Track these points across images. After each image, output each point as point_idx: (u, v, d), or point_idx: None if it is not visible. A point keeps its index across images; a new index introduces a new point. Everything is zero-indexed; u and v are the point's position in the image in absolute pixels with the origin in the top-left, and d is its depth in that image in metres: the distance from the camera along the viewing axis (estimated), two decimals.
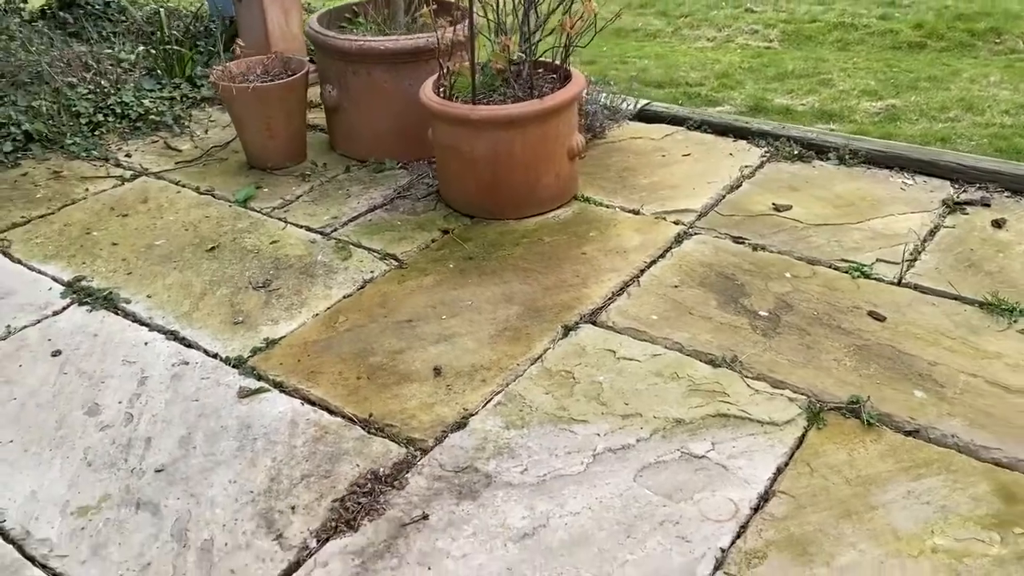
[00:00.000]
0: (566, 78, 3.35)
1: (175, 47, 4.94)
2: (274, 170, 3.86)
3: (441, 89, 3.31)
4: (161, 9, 5.23)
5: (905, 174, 3.53)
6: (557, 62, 3.42)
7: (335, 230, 3.33)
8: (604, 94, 4.00)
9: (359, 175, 3.79)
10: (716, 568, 1.84)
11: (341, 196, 3.61)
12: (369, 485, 2.07)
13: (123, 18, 5.53)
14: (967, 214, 3.22)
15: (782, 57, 5.45)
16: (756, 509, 1.98)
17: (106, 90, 4.57)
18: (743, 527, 1.93)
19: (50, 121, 4.30)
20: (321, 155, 4.01)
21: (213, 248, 3.24)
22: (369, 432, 2.26)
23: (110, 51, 5.07)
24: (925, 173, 3.51)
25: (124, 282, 3.04)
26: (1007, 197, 3.31)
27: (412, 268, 3.04)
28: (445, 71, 3.24)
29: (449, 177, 3.42)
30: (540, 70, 3.46)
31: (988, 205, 3.27)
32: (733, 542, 1.89)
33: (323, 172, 3.84)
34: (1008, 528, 1.90)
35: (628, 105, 4.03)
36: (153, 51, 4.95)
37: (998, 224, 3.13)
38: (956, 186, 3.40)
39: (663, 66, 5.25)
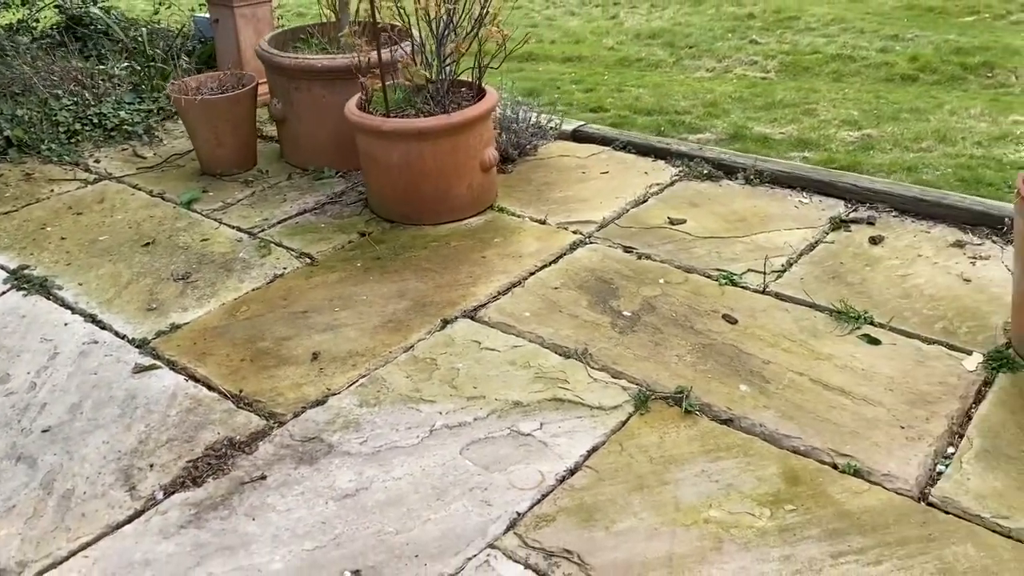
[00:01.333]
0: (481, 95, 3.61)
1: (159, 64, 5.31)
2: (223, 176, 4.16)
3: (365, 104, 3.59)
4: (144, 29, 5.60)
5: (805, 194, 3.72)
6: (478, 81, 3.68)
7: (263, 231, 3.61)
8: (536, 113, 4.25)
9: (299, 182, 4.08)
10: (508, 529, 2.05)
11: (277, 200, 3.89)
12: (223, 450, 2.31)
13: (123, 37, 5.91)
14: (850, 231, 3.40)
15: (775, 88, 5.62)
16: (561, 480, 2.18)
17: (88, 102, 4.92)
18: (544, 495, 2.14)
19: (32, 128, 4.65)
20: (270, 163, 4.30)
21: (148, 244, 3.53)
22: (238, 406, 2.51)
23: (102, 67, 5.45)
24: (824, 193, 3.70)
25: (62, 271, 3.34)
26: (894, 217, 3.49)
27: (322, 266, 3.30)
28: (364, 87, 3.51)
29: (371, 185, 3.69)
30: (463, 88, 3.72)
31: (872, 223, 3.45)
32: (531, 508, 2.10)
33: (267, 179, 4.13)
34: (780, 505, 2.08)
35: (555, 124, 4.27)
36: (138, 67, 5.31)
37: (875, 241, 3.31)
38: (849, 205, 3.59)
39: (656, 95, 5.43)
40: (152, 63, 5.29)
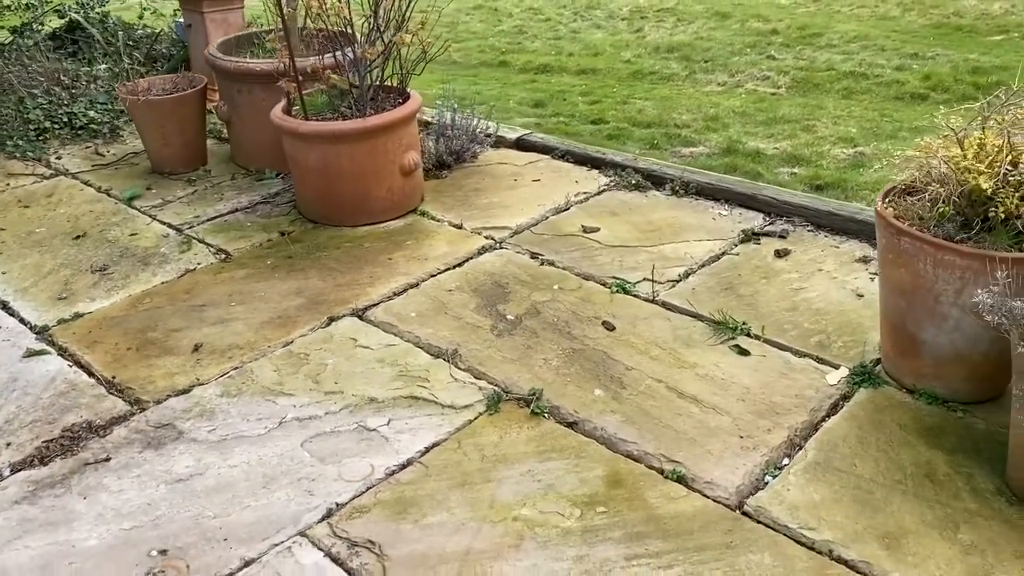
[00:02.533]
0: (406, 101, 3.68)
1: (136, 67, 5.49)
2: (170, 175, 4.29)
3: (290, 107, 3.68)
4: (120, 32, 5.80)
5: (726, 206, 3.72)
6: (403, 87, 3.76)
7: (191, 227, 3.72)
8: (477, 120, 4.31)
9: (241, 182, 4.19)
10: (323, 519, 2.10)
11: (214, 199, 4.01)
12: (79, 432, 2.40)
13: (101, 40, 6.12)
14: (759, 244, 3.39)
15: (781, 103, 5.60)
16: (389, 475, 2.23)
17: (62, 101, 5.12)
18: (368, 488, 2.19)
19: (4, 125, 4.85)
20: (220, 164, 4.43)
21: (79, 237, 3.66)
22: (109, 392, 2.60)
23: (87, 69, 5.66)
24: (746, 206, 3.70)
25: None
26: (808, 231, 3.48)
27: (234, 262, 3.40)
28: (287, 91, 3.61)
29: (296, 186, 3.79)
30: (392, 94, 3.80)
31: (784, 237, 3.44)
32: (351, 500, 2.15)
33: (210, 178, 4.26)
34: (593, 507, 2.10)
35: (491, 131, 4.33)
36: (116, 70, 5.50)
37: (780, 254, 3.30)
38: (767, 218, 3.58)
39: (660, 108, 5.46)
40: (132, 66, 5.47)
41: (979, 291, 1.97)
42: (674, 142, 4.82)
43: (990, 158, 2.18)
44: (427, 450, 2.32)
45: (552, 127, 5.06)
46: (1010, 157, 2.15)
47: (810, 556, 1.95)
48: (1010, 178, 2.21)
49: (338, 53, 3.63)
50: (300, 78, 3.56)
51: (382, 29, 3.65)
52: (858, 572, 1.90)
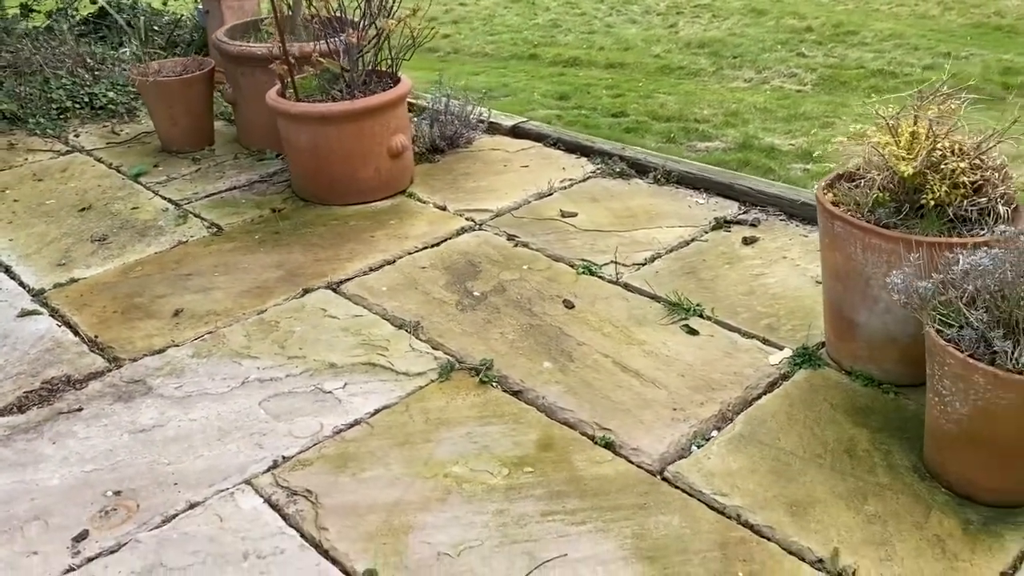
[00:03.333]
0: (396, 85, 3.82)
1: (158, 51, 5.72)
2: (178, 153, 4.49)
3: (285, 90, 3.84)
4: (143, 18, 6.03)
5: (704, 194, 3.80)
6: (394, 71, 3.90)
7: (189, 203, 3.90)
8: (472, 106, 4.43)
9: (243, 162, 4.37)
10: (268, 469, 2.24)
11: (215, 177, 4.19)
12: (58, 385, 2.59)
13: (124, 25, 6.36)
14: (729, 231, 3.47)
15: (805, 100, 5.64)
16: (337, 433, 2.37)
17: (85, 82, 5.35)
18: (315, 444, 2.33)
19: (28, 104, 5.09)
20: (226, 144, 4.61)
21: (84, 209, 3.87)
22: (90, 350, 2.78)
23: (113, 53, 5.90)
24: (724, 195, 3.77)
25: (2, 228, 3.69)
26: (780, 220, 3.54)
27: (224, 236, 3.57)
28: (279, 74, 3.76)
29: (290, 166, 3.95)
30: (385, 79, 3.94)
31: (756, 225, 3.51)
32: (297, 453, 2.30)
33: (214, 158, 4.44)
34: (522, 467, 2.22)
35: (484, 117, 4.46)
36: (139, 53, 5.73)
37: (747, 241, 3.37)
38: (742, 207, 3.66)
39: (682, 103, 5.53)
40: (154, 50, 5.69)
41: (893, 273, 2.05)
42: (691, 136, 4.88)
43: (919, 146, 2.25)
44: (376, 412, 2.46)
45: (572, 119, 5.15)
46: (933, 144, 2.21)
47: (717, 519, 2.04)
48: (941, 167, 2.27)
49: (331, 39, 3.79)
50: (293, 62, 3.72)
51: (375, 15, 3.79)
52: (761, 536, 2.00)
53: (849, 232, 2.31)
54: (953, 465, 2.07)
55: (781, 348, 2.69)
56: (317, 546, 2.00)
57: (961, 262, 1.93)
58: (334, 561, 1.96)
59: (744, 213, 3.61)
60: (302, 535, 2.04)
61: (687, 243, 3.38)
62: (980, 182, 2.31)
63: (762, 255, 3.26)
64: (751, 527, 2.02)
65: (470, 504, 2.11)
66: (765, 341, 2.73)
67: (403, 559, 1.95)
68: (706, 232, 3.46)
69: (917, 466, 2.18)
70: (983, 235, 2.17)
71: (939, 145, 2.20)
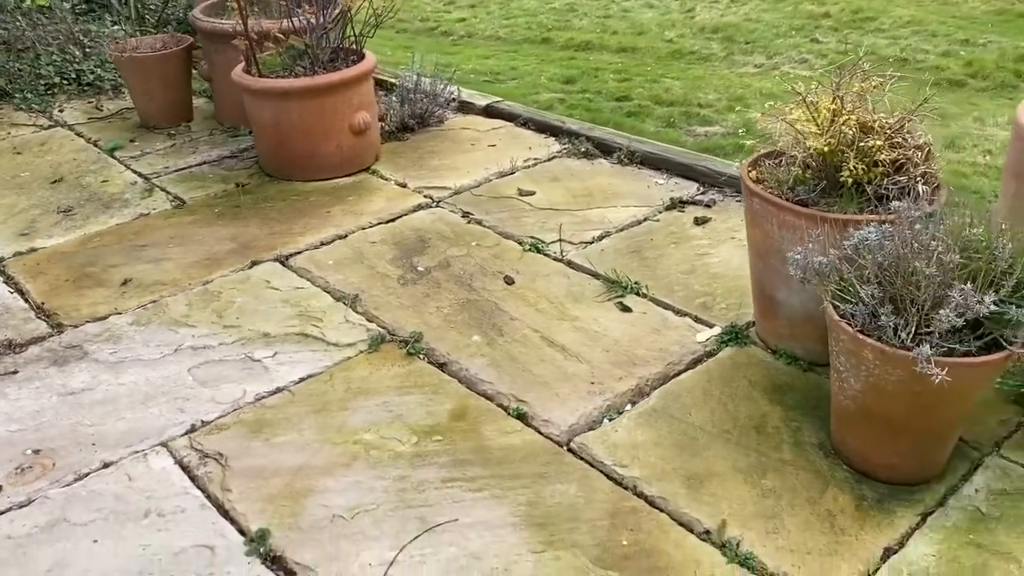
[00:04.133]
0: (360, 62, 3.85)
1: (149, 29, 5.79)
2: (155, 129, 4.56)
3: (250, 66, 3.89)
4: None
5: (666, 175, 3.80)
6: (359, 48, 3.93)
7: (158, 177, 3.97)
8: (443, 86, 4.45)
9: (217, 138, 4.43)
10: (185, 433, 2.30)
11: (188, 152, 4.25)
12: None
13: (132, 4, 6.43)
14: (683, 212, 3.47)
15: (812, 87, 5.58)
16: (258, 399, 2.42)
17: (75, 59, 5.44)
18: (235, 409, 2.38)
19: (17, 79, 5.19)
20: (203, 121, 4.68)
21: (56, 182, 3.95)
22: (37, 316, 2.86)
23: (106, 30, 5.98)
24: (684, 176, 3.77)
25: None
26: (737, 201, 3.53)
27: (186, 209, 3.63)
28: (242, 50, 3.81)
29: (256, 141, 4.00)
30: (351, 56, 3.97)
31: (710, 206, 3.51)
32: (217, 418, 2.35)
33: (190, 133, 4.51)
34: (431, 436, 2.25)
35: (455, 96, 4.47)
36: (128, 30, 5.80)
37: (699, 222, 3.37)
38: (701, 188, 3.65)
39: (688, 88, 5.51)
40: (144, 28, 5.76)
41: (794, 249, 2.05)
42: (692, 121, 4.86)
43: (838, 122, 2.24)
44: (300, 380, 2.50)
45: (575, 103, 5.14)
46: (845, 120, 2.20)
47: (613, 489, 2.06)
48: (859, 145, 2.26)
49: (295, 16, 3.82)
50: (255, 38, 3.75)
51: None
52: (653, 506, 2.02)
53: (766, 209, 2.31)
54: (852, 442, 2.08)
55: (711, 326, 2.69)
56: (218, 506, 2.06)
57: (853, 237, 1.93)
58: (232, 520, 2.01)
59: (702, 194, 3.61)
60: (207, 495, 2.09)
61: (639, 223, 3.39)
62: (901, 161, 2.30)
63: (711, 235, 3.26)
64: (645, 497, 2.04)
65: (374, 470, 2.15)
66: (697, 319, 2.73)
67: (298, 520, 2.00)
68: (660, 212, 3.46)
69: (824, 443, 2.18)
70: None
71: (850, 121, 2.19)
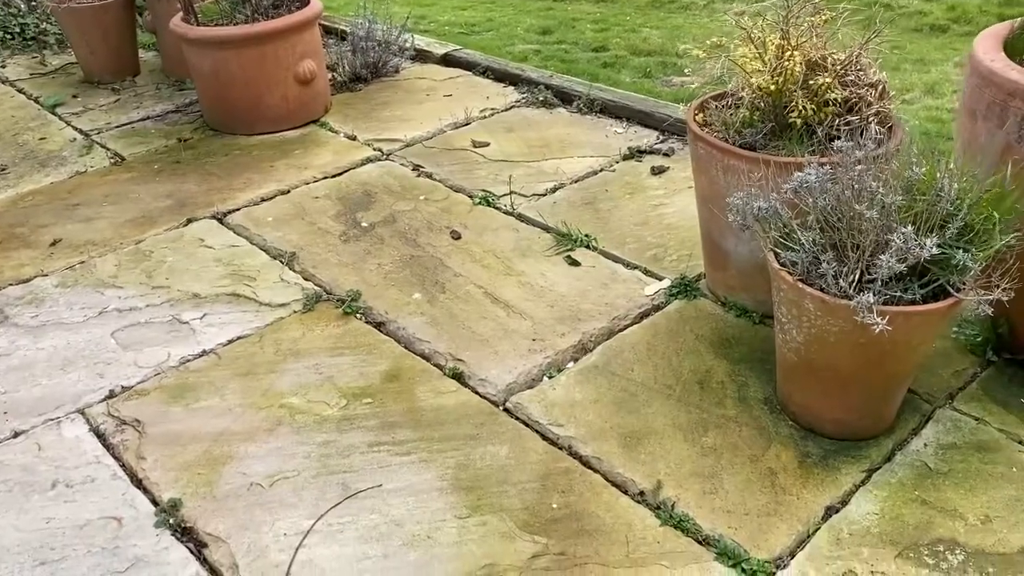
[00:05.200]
0: (305, 7, 3.67)
1: None
2: (100, 84, 4.37)
3: (189, 14, 3.70)
4: None
5: (625, 123, 3.66)
6: None
7: (99, 133, 3.80)
8: (396, 33, 4.27)
9: (162, 92, 4.25)
10: (104, 399, 2.19)
11: (132, 107, 4.08)
12: None
13: None
14: (640, 161, 3.34)
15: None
16: (183, 363, 2.31)
17: (19, 12, 5.21)
18: (156, 374, 2.27)
19: None
20: (150, 74, 4.49)
21: None
22: None
23: None
24: (644, 124, 3.63)
25: None
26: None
27: (124, 166, 3.48)
28: None
29: (198, 94, 3.83)
30: (296, 3, 3.78)
31: (668, 155, 3.37)
32: (138, 384, 2.24)
33: (135, 88, 4.33)
34: (361, 399, 2.15)
35: (408, 44, 4.30)
36: None
37: (656, 171, 3.24)
38: (661, 136, 3.52)
39: (667, 37, 5.30)
40: None
41: (734, 194, 1.93)
42: (668, 71, 4.69)
43: (784, 58, 2.10)
44: (229, 343, 2.39)
45: (551, 54, 4.95)
46: (790, 57, 2.07)
47: (547, 450, 1.97)
48: (808, 83, 2.13)
49: None
50: None
51: None
52: (588, 467, 1.92)
53: (710, 154, 2.19)
54: (797, 396, 1.98)
55: (661, 279, 2.58)
56: (132, 475, 1.95)
57: (793, 180, 1.81)
58: (144, 490, 1.91)
59: (661, 142, 3.47)
60: (120, 464, 1.99)
61: (594, 173, 3.26)
62: (853, 100, 2.17)
63: (668, 185, 3.14)
64: (579, 458, 1.95)
65: (297, 435, 2.04)
66: (647, 272, 2.62)
67: (213, 489, 1.90)
68: (616, 162, 3.33)
69: (770, 399, 2.09)
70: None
71: (795, 57, 2.06)
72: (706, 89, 2.46)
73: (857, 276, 1.74)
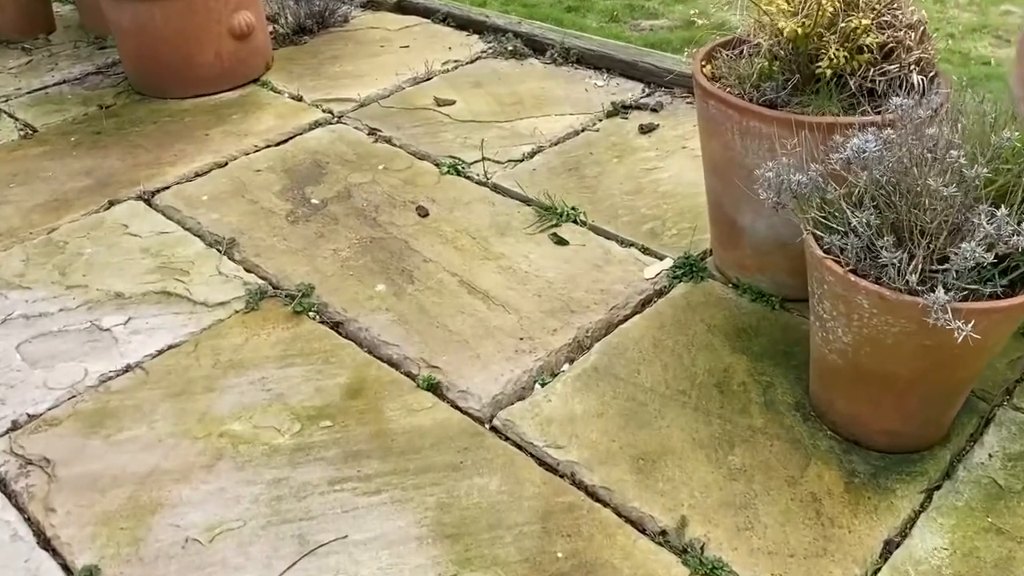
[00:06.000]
0: None
1: None
2: (8, 43, 3.85)
3: None
4: None
5: (605, 75, 3.28)
6: None
7: (7, 101, 3.32)
8: None
9: (82, 51, 3.75)
10: (6, 432, 1.80)
11: (46, 70, 3.59)
12: None
13: None
14: (627, 118, 2.98)
15: None
16: (102, 382, 1.92)
17: None
18: (71, 397, 1.88)
19: None
20: (68, 31, 3.97)
21: None
22: None
23: None
24: (627, 75, 3.26)
25: None
26: (687, 103, 3.05)
27: (36, 139, 3.02)
28: None
29: (120, 53, 3.36)
30: None
31: (657, 110, 3.02)
32: (48, 410, 1.85)
33: (50, 47, 3.82)
34: (318, 421, 1.80)
35: None
36: None
37: (645, 129, 2.89)
38: (646, 89, 3.15)
39: None
40: None
41: (765, 164, 1.59)
42: (636, 14, 4.28)
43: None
44: (158, 353, 2.01)
45: None
46: None
47: (545, 480, 1.64)
48: (840, 25, 1.79)
49: None
50: None
51: None
52: (596, 499, 1.60)
53: (725, 113, 1.84)
54: (841, 404, 1.68)
55: (662, 258, 2.25)
56: (39, 533, 1.59)
57: (846, 148, 1.47)
58: (54, 553, 1.55)
59: (647, 96, 3.11)
60: (26, 518, 1.62)
61: (576, 134, 2.89)
62: (891, 45, 1.83)
63: (659, 145, 2.79)
64: (585, 488, 1.63)
65: (243, 472, 1.69)
66: (644, 250, 2.29)
67: (139, 549, 1.54)
68: (600, 120, 2.97)
69: (801, 402, 1.78)
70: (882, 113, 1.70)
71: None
72: (695, 35, 2.10)
73: (921, 265, 1.42)
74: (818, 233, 1.54)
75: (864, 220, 1.44)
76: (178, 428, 1.80)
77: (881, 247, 1.42)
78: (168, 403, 1.86)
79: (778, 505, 1.57)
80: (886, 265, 1.42)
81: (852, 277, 1.45)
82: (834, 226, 1.53)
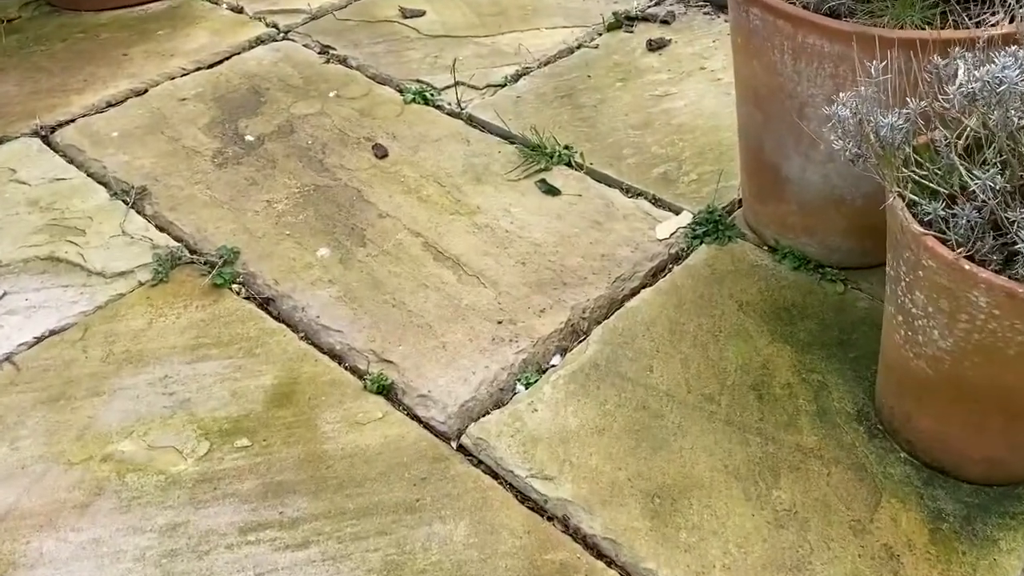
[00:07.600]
0: None
1: None
2: None
3: None
4: None
5: None
6: None
7: None
8: None
9: None
10: None
11: None
12: None
13: None
14: (631, 32, 2.48)
15: None
16: None
17: None
18: None
19: None
20: None
21: None
22: None
23: None
24: None
25: None
26: (705, 13, 2.55)
27: None
28: None
29: None
30: None
31: (668, 23, 2.51)
32: None
33: None
34: (233, 438, 1.38)
35: None
36: None
37: (654, 46, 2.39)
38: None
39: None
40: None
41: (839, 96, 1.13)
42: None
43: None
44: (36, 342, 1.57)
45: None
46: None
47: (529, 527, 1.23)
48: None
49: None
50: None
51: None
52: (598, 557, 1.20)
53: (772, 25, 1.36)
54: (928, 423, 1.26)
55: (678, 212, 1.80)
56: None
57: (960, 74, 1.01)
58: None
59: (655, 5, 2.60)
60: None
61: (571, 51, 2.40)
62: None
63: (671, 65, 2.30)
64: (583, 540, 1.22)
65: (128, 514, 1.27)
66: (656, 201, 1.84)
67: None
68: (599, 34, 2.47)
69: (864, 411, 1.37)
70: (1001, 24, 1.23)
71: None
72: None
73: None
74: (914, 198, 1.09)
75: (988, 183, 0.99)
76: (49, 449, 1.37)
77: (1013, 222, 0.97)
78: (40, 412, 1.43)
79: (842, 567, 1.17)
80: (1019, 251, 0.98)
81: (967, 265, 1.01)
82: (934, 186, 1.08)
